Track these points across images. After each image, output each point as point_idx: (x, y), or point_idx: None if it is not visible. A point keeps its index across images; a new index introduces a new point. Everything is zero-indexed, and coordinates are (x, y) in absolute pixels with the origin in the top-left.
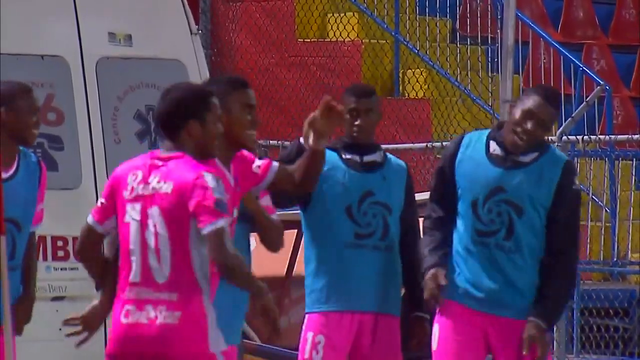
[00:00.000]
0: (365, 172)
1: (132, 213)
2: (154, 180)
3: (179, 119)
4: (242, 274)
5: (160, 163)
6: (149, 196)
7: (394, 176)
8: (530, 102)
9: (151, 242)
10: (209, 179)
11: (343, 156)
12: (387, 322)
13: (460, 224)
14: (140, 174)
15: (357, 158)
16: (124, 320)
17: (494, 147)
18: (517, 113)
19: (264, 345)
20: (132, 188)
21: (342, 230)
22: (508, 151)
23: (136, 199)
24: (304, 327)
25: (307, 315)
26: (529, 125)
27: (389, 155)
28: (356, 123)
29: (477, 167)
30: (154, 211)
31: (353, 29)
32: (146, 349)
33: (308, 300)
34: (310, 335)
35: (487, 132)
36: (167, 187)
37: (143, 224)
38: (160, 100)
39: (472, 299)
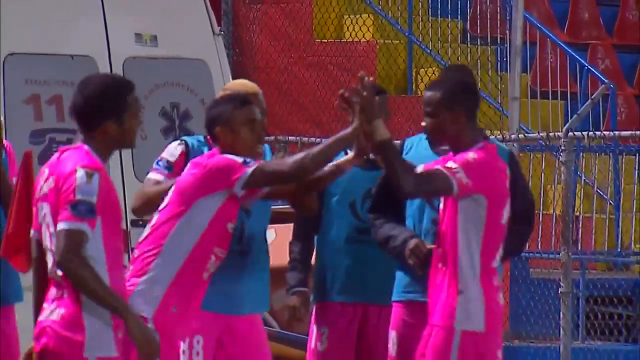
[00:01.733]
0: (370, 170)
1: (41, 214)
2: (46, 177)
3: (94, 119)
4: (86, 286)
5: (57, 156)
6: (44, 195)
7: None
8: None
9: (47, 242)
10: (79, 175)
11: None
12: (389, 313)
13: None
14: (46, 172)
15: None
16: None
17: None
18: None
19: (283, 331)
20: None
21: (345, 226)
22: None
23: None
24: (312, 318)
25: (313, 307)
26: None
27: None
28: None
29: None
30: (45, 209)
31: (368, 29)
32: None
33: (314, 292)
34: (315, 326)
35: (424, 135)
36: (50, 183)
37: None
38: (77, 94)
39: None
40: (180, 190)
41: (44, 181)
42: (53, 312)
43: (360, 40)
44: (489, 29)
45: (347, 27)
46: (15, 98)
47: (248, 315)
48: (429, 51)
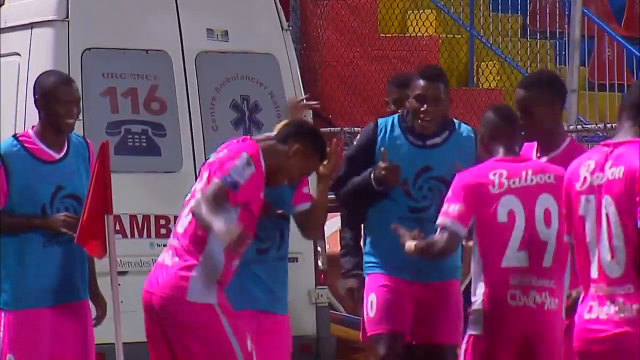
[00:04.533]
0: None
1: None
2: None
3: None
4: None
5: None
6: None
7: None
8: (417, 87)
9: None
10: None
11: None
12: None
13: (385, 205)
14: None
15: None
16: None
17: (410, 132)
18: (412, 102)
19: (348, 315)
20: (585, 179)
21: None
22: (423, 135)
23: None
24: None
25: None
26: (425, 106)
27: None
28: (422, 109)
29: (400, 150)
30: (607, 200)
31: (431, 24)
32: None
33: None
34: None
35: (396, 118)
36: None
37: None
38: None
39: (405, 271)
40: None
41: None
42: None
43: (423, 35)
44: (548, 24)
45: (411, 22)
46: (92, 91)
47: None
48: (489, 45)
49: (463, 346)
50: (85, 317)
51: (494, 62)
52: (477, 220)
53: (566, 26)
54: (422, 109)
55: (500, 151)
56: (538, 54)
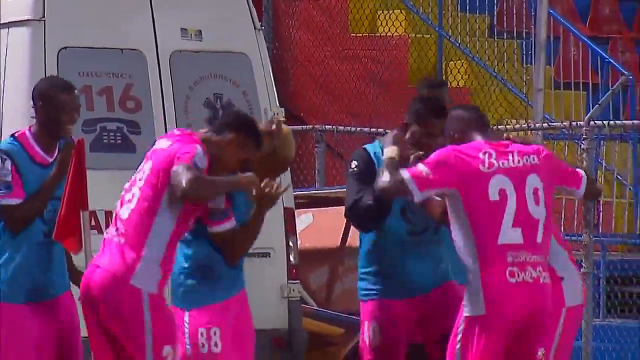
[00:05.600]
0: None
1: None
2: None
3: None
4: None
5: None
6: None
7: None
8: (430, 125)
9: None
10: None
11: None
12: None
13: (383, 231)
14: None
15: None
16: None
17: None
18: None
19: (320, 309)
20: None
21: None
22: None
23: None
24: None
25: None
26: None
27: None
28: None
29: None
30: None
31: (400, 24)
32: None
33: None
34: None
35: (378, 145)
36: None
37: None
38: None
39: (402, 292)
40: (156, 166)
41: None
42: None
43: (393, 35)
44: (514, 24)
45: (381, 22)
46: None
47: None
48: (457, 45)
49: (460, 329)
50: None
51: (462, 61)
52: (465, 198)
53: (532, 26)
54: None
55: (478, 139)
56: (505, 54)
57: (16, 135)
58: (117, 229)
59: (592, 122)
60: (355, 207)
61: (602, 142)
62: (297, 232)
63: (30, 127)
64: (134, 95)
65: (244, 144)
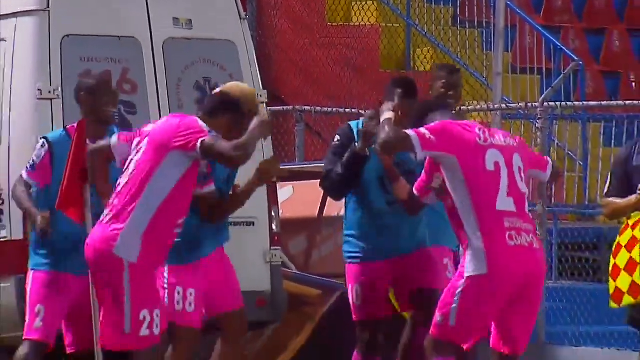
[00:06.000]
0: None
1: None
2: None
3: None
4: None
5: None
6: None
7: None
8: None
9: None
10: None
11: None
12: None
13: (364, 201)
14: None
15: None
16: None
17: None
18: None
19: (299, 273)
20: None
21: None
22: None
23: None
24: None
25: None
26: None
27: None
28: (450, 93)
29: (374, 151)
30: None
31: (372, 14)
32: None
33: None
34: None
35: (360, 122)
36: None
37: None
38: None
39: (383, 253)
40: (154, 143)
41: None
42: None
43: (365, 24)
44: (476, 14)
45: (355, 13)
46: (71, 73)
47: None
48: (424, 33)
49: (459, 289)
50: None
51: (428, 48)
52: (464, 166)
53: (492, 16)
54: (449, 93)
55: (438, 118)
56: (467, 41)
57: (67, 127)
58: (115, 199)
59: (545, 104)
60: (327, 177)
61: (554, 121)
62: (279, 203)
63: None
64: (130, 79)
65: (236, 127)
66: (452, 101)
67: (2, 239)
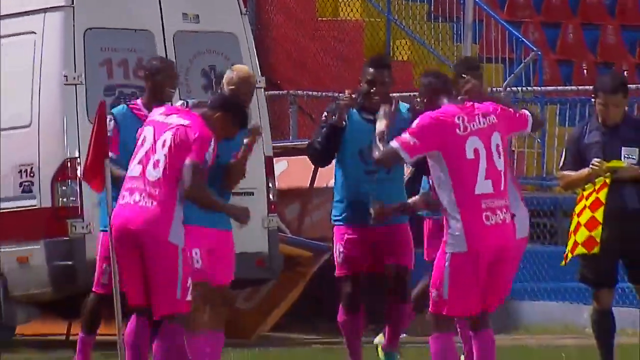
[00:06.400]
0: (374, 123)
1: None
2: None
3: None
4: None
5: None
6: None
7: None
8: (367, 74)
9: None
10: None
11: (361, 114)
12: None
13: (347, 169)
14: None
15: (370, 116)
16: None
17: (363, 111)
18: (364, 85)
19: (293, 236)
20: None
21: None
22: (372, 112)
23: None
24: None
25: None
26: (374, 89)
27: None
28: (372, 91)
29: (356, 125)
30: None
31: (357, 10)
32: None
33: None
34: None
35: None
36: None
37: None
38: None
39: (364, 219)
40: (177, 144)
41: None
42: None
43: (351, 19)
44: (447, 10)
45: (342, 9)
46: (93, 61)
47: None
48: (402, 27)
49: (446, 264)
50: None
51: (406, 40)
52: (447, 158)
53: (462, 12)
54: (371, 91)
55: (445, 102)
56: (440, 34)
57: (128, 103)
58: (149, 193)
59: (508, 88)
60: (311, 146)
61: (516, 104)
62: (275, 175)
63: (141, 98)
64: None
65: (229, 123)
66: (377, 98)
67: (33, 207)
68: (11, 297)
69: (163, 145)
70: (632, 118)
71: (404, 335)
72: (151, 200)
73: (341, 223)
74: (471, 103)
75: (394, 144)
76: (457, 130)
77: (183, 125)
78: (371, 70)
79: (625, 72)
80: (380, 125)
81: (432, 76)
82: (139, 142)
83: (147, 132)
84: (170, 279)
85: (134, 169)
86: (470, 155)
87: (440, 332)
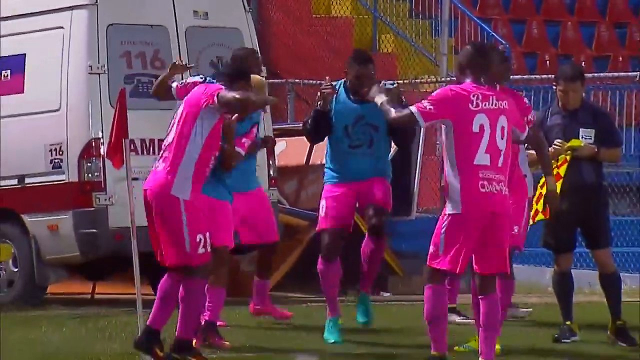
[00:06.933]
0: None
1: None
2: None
3: None
4: None
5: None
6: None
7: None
8: (354, 70)
9: None
10: None
11: (348, 94)
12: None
13: (334, 143)
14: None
15: (356, 97)
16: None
17: (350, 93)
18: (353, 81)
19: (291, 208)
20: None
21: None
22: (359, 94)
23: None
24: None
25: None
26: (363, 83)
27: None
28: (362, 84)
29: (344, 104)
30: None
31: (347, 8)
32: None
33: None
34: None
35: (342, 82)
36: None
37: None
38: None
39: (350, 177)
40: (189, 106)
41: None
42: None
43: (342, 15)
44: (426, 8)
45: (334, 7)
46: (114, 53)
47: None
48: (387, 23)
49: (444, 223)
50: None
51: (390, 35)
52: (456, 127)
53: (439, 10)
54: (361, 85)
55: (469, 81)
56: (420, 29)
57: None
58: (164, 157)
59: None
60: (304, 126)
61: None
62: (275, 154)
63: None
64: (160, 58)
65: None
66: (366, 89)
67: (62, 182)
68: (43, 261)
69: (181, 114)
70: (589, 103)
71: (388, 294)
72: (163, 164)
73: (328, 183)
74: (491, 87)
75: (412, 108)
76: (470, 105)
77: (193, 92)
78: (357, 66)
79: (583, 63)
80: (380, 97)
81: (474, 47)
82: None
83: (178, 110)
84: (175, 230)
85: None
86: (475, 129)
87: (432, 284)
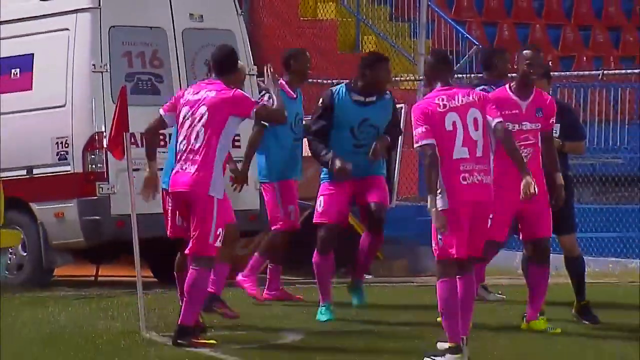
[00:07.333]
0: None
1: None
2: None
3: None
4: None
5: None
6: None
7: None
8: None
9: None
10: None
11: (351, 96)
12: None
13: (338, 142)
14: None
15: (359, 97)
16: None
17: (355, 95)
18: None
19: None
20: None
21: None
22: (362, 96)
23: None
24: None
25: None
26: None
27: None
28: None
29: (348, 107)
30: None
31: (332, 11)
32: None
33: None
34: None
35: (344, 86)
36: None
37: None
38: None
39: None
40: (216, 111)
41: None
42: None
43: (328, 19)
44: (406, 11)
45: (320, 10)
46: (116, 53)
47: None
48: (369, 25)
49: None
50: None
51: (372, 36)
52: (433, 131)
53: (417, 13)
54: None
55: (439, 85)
56: (400, 31)
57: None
58: (191, 160)
59: (455, 76)
60: (306, 129)
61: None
62: None
63: (283, 79)
64: (159, 57)
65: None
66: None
67: (67, 172)
68: (50, 246)
69: (200, 118)
70: (555, 100)
71: (370, 276)
72: (193, 166)
73: (327, 180)
74: (454, 87)
75: (422, 142)
76: (438, 108)
77: (210, 95)
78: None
79: (550, 62)
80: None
81: (433, 57)
82: (180, 121)
83: (184, 111)
84: (206, 224)
85: (182, 143)
86: (449, 127)
87: (444, 277)
